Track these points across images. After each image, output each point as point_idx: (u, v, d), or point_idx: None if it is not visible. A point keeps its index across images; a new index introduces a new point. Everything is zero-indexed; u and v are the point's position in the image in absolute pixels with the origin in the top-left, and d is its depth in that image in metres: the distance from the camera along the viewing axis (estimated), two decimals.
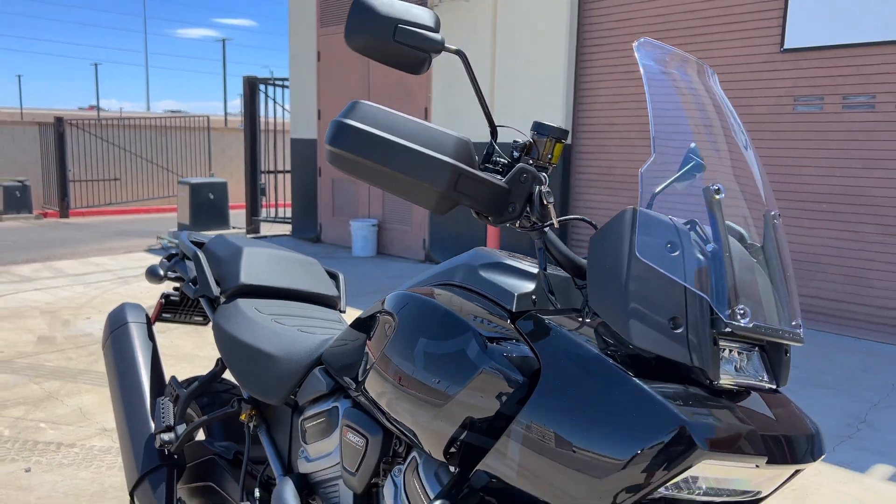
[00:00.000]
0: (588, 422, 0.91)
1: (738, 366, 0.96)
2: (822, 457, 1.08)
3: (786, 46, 5.40)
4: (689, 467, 0.86)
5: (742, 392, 0.97)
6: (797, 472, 0.99)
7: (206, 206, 9.41)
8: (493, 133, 1.14)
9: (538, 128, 1.13)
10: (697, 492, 0.93)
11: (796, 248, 5.39)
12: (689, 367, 0.93)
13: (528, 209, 1.11)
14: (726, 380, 0.93)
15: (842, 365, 4.48)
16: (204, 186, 9.43)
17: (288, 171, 10.10)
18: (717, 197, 0.96)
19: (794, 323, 1.00)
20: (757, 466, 0.91)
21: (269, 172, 10.29)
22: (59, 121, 14.38)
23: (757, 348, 0.99)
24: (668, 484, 0.88)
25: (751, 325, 0.92)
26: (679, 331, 0.93)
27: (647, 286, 0.94)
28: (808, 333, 5.21)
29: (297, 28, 9.37)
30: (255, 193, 10.28)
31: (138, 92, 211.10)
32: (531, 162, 1.12)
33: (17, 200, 14.08)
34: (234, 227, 9.98)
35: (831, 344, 4.98)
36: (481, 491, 1.04)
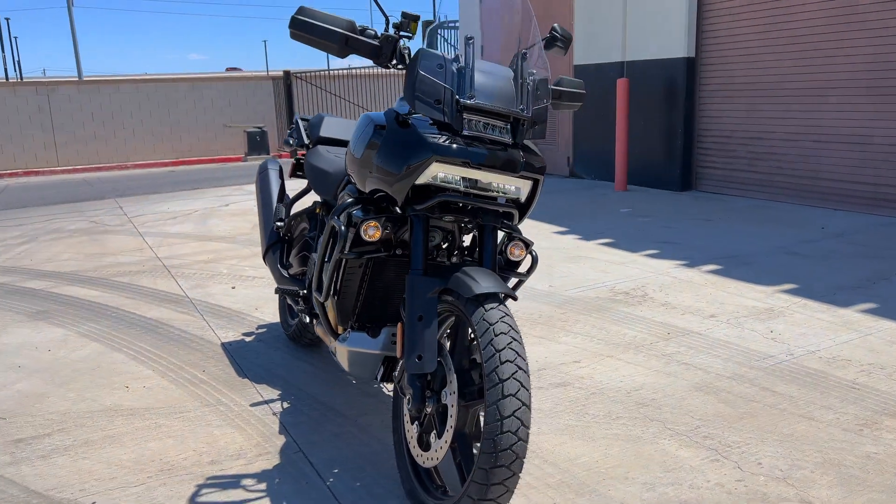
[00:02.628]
0: (391, 155, 2.01)
1: (480, 128, 1.97)
2: (519, 172, 2.01)
3: None
4: (429, 165, 1.93)
5: (496, 142, 1.97)
6: (536, 183, 2.01)
7: None
8: (386, 20, 2.22)
9: (404, 15, 2.19)
10: (456, 184, 1.98)
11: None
12: (446, 123, 1.97)
13: (395, 58, 2.16)
14: (468, 133, 1.96)
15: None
16: None
17: None
18: (470, 41, 1.99)
19: (520, 107, 1.99)
20: (467, 166, 1.94)
21: None
22: (287, 74, 16.94)
23: (509, 123, 1.99)
24: (429, 181, 1.95)
25: (473, 103, 1.94)
26: (439, 105, 1.98)
27: (424, 85, 1.99)
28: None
29: None
30: None
31: None
32: (399, 33, 2.17)
33: (258, 144, 16.87)
34: None
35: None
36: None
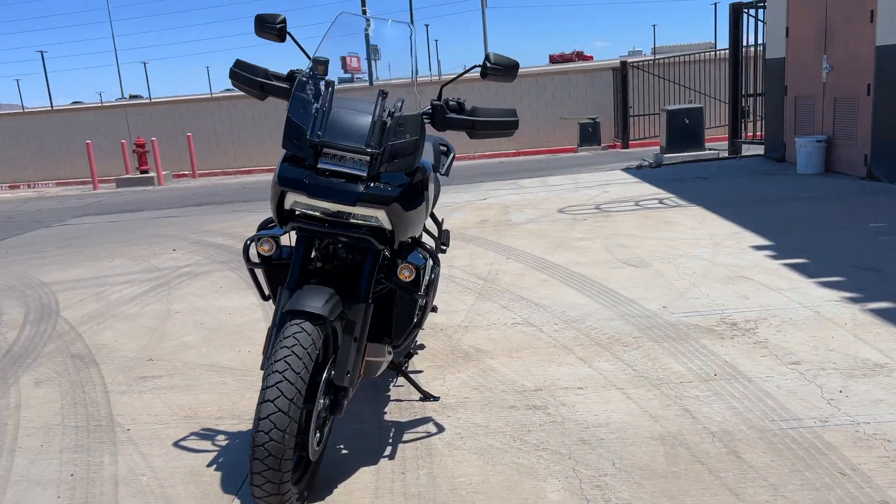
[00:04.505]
0: (271, 186, 2.38)
1: (337, 162, 2.25)
2: (352, 202, 2.20)
3: None
4: (284, 195, 2.26)
5: (348, 174, 2.24)
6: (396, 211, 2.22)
7: (683, 130, 10.49)
8: (309, 58, 2.54)
9: (314, 61, 2.48)
10: (312, 211, 2.27)
11: None
12: (303, 159, 2.26)
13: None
14: (322, 166, 2.25)
15: None
16: (680, 112, 10.51)
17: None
18: (329, 86, 2.26)
19: (369, 143, 2.21)
20: (307, 196, 2.21)
21: (750, 96, 10.66)
22: (623, 65, 16.99)
23: (365, 156, 2.23)
24: (293, 207, 2.29)
25: (318, 140, 2.22)
26: (298, 143, 2.28)
27: (290, 126, 2.29)
28: None
29: None
30: (736, 116, 10.82)
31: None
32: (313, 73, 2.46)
33: (590, 135, 17.29)
34: (708, 150, 10.80)
35: None
36: None
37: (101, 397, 3.29)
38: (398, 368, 2.94)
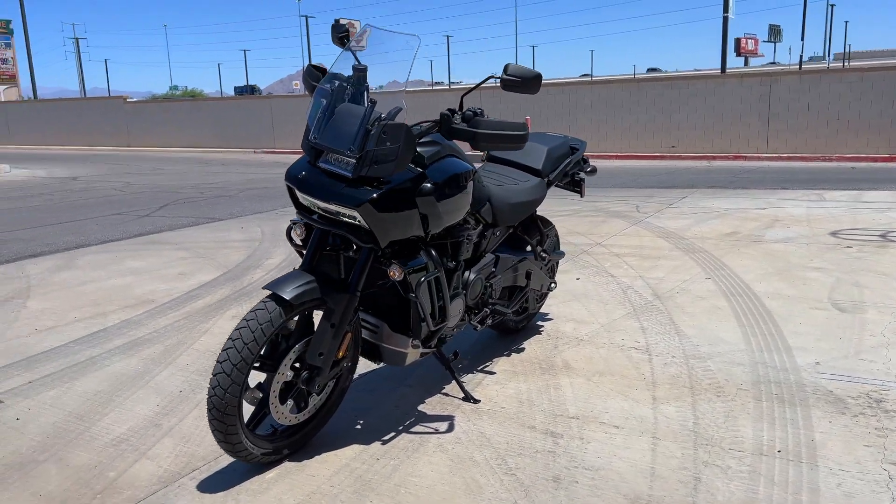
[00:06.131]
0: None
1: (334, 161, 2.46)
2: (327, 200, 2.39)
3: None
4: (291, 188, 2.56)
5: (338, 174, 2.45)
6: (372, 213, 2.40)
7: None
8: None
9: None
10: (311, 205, 2.53)
11: None
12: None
13: None
14: (321, 165, 2.49)
15: None
16: None
17: None
18: (334, 88, 2.48)
19: (350, 148, 2.38)
20: (301, 192, 2.48)
21: None
22: None
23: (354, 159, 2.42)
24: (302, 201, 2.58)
25: (313, 141, 2.46)
26: (305, 142, 2.54)
27: (307, 128, 2.55)
28: None
29: None
30: None
31: None
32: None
33: None
34: None
35: None
36: None
37: None
38: (446, 364, 3.06)
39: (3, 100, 35.25)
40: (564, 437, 2.70)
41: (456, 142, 2.72)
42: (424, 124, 2.62)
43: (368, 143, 2.37)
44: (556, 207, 8.27)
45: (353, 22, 25.61)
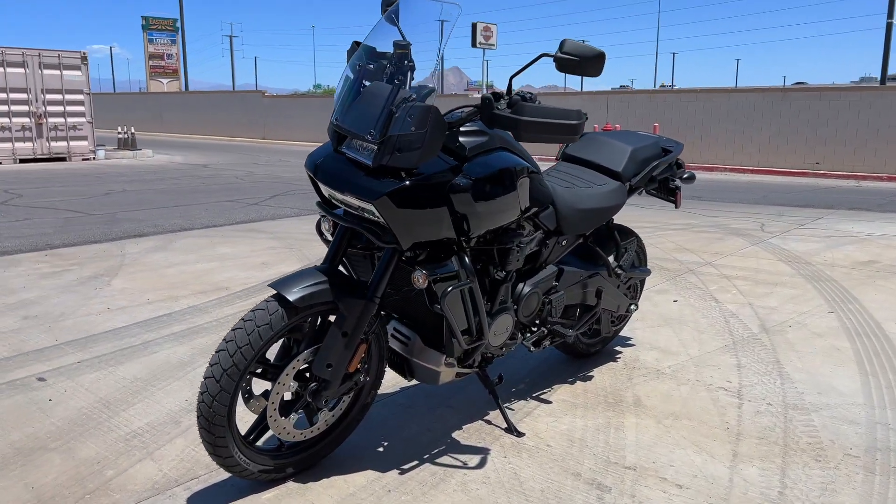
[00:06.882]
0: None
1: (358, 147, 2.15)
2: (342, 191, 2.11)
3: None
4: (316, 184, 2.27)
5: (359, 162, 2.14)
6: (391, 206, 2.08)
7: None
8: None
9: None
10: (330, 196, 2.24)
11: None
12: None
13: None
14: (342, 150, 2.19)
15: None
16: None
17: None
18: (360, 67, 2.17)
19: (371, 132, 2.07)
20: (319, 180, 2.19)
21: None
22: None
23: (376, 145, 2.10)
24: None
25: (335, 123, 2.16)
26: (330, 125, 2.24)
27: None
28: None
29: None
30: None
31: None
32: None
33: None
34: None
35: None
36: None
37: None
38: (489, 387, 2.69)
39: (165, 91, 38.23)
40: (612, 492, 2.26)
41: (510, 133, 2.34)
42: (466, 109, 2.26)
43: (392, 128, 2.05)
44: (666, 219, 7.62)
45: None
